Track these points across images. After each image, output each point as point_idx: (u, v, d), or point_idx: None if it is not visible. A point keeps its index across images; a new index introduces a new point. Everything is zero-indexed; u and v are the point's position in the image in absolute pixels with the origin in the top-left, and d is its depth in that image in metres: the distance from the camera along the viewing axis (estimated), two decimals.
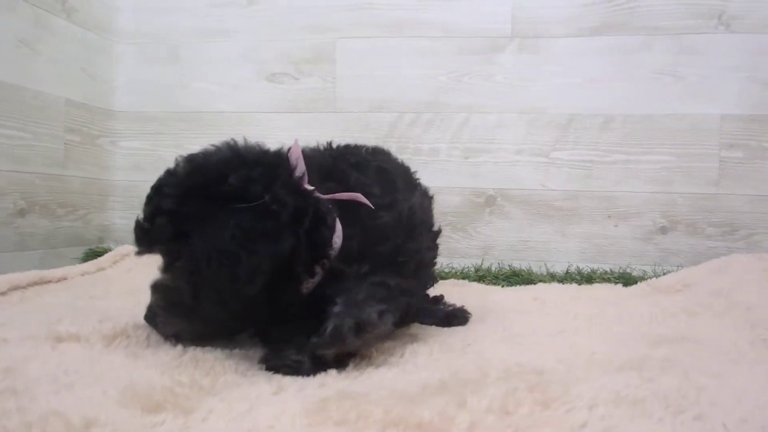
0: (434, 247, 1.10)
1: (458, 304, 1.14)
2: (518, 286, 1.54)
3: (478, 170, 1.73)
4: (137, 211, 1.87)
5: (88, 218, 1.78)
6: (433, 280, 1.07)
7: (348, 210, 0.82)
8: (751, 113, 1.60)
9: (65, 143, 1.67)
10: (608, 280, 1.56)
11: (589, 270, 1.62)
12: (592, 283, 1.56)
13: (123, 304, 1.13)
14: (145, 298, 1.26)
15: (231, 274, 0.70)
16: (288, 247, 0.72)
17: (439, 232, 1.11)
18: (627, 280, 1.56)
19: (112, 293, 1.29)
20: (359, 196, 0.84)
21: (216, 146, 0.82)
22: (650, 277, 1.57)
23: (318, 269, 0.79)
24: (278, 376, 0.71)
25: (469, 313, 1.12)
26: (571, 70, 1.69)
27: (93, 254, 1.76)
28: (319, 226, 0.77)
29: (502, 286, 1.55)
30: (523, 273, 1.63)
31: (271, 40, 1.83)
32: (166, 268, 0.80)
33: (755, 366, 0.78)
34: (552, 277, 1.61)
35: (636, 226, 1.66)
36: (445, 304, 1.13)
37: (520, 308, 1.22)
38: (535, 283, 1.55)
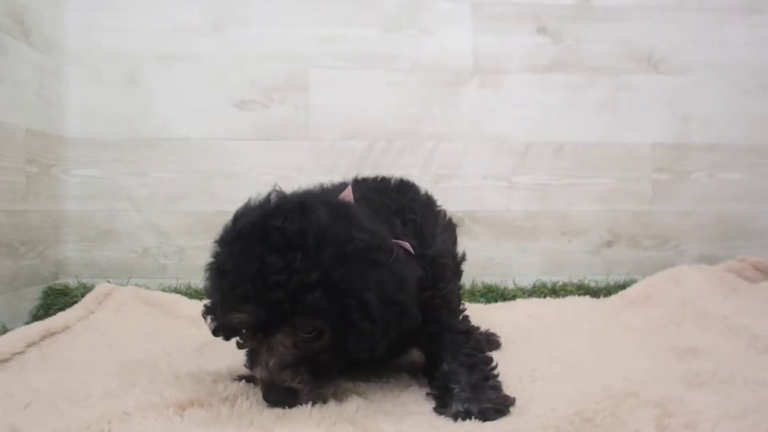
0: (458, 277, 1.21)
1: (482, 328, 1.24)
2: (500, 303, 1.68)
3: (447, 194, 1.83)
4: (92, 243, 1.78)
5: (45, 254, 1.65)
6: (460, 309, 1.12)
7: None
8: (675, 142, 1.89)
9: (27, 176, 1.55)
10: (571, 292, 1.75)
11: (551, 283, 1.81)
12: (558, 294, 1.74)
13: (155, 351, 1.15)
14: (165, 340, 1.24)
15: (399, 319, 0.80)
16: None
17: (462, 259, 1.22)
18: (587, 290, 1.76)
19: (125, 340, 1.26)
20: (409, 246, 0.92)
21: (300, 202, 0.83)
22: (602, 287, 1.79)
23: None
24: (430, 422, 0.78)
25: (499, 336, 1.22)
26: (527, 103, 1.87)
27: (53, 292, 1.64)
28: None
29: (485, 303, 1.69)
30: (495, 288, 1.77)
31: (240, 67, 1.82)
32: (305, 340, 0.80)
33: None
34: (523, 292, 1.77)
35: (586, 241, 1.88)
36: None
37: (527, 327, 1.37)
38: (513, 299, 1.70)
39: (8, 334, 1.18)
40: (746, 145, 1.89)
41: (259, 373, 0.82)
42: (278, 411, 0.81)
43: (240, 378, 0.93)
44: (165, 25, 1.80)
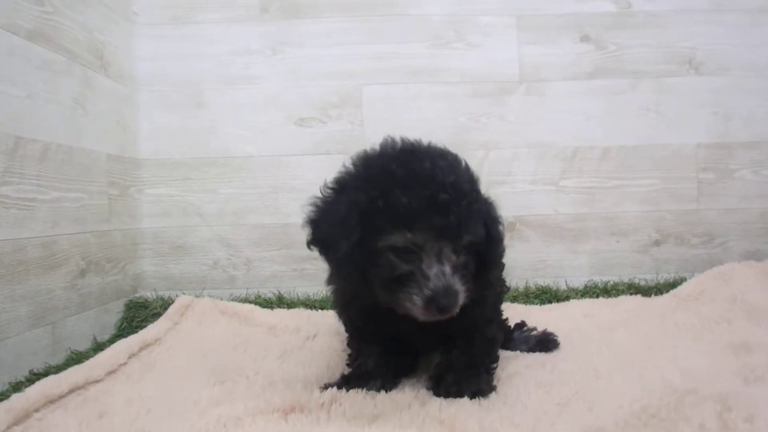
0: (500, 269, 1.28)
1: (539, 328, 1.32)
2: (554, 303, 1.76)
3: (498, 200, 1.89)
4: (166, 257, 1.90)
5: (126, 270, 1.78)
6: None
7: None
8: (718, 141, 1.94)
9: (109, 198, 1.67)
10: (622, 291, 1.82)
11: (602, 283, 1.88)
12: (611, 294, 1.81)
13: (242, 359, 1.27)
14: (248, 348, 1.35)
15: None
16: None
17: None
18: (637, 289, 1.83)
19: (213, 348, 1.37)
20: None
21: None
22: (652, 285, 1.85)
23: None
24: (511, 419, 0.86)
25: (557, 336, 1.30)
26: (572, 109, 1.94)
27: (134, 305, 1.77)
28: None
29: (539, 304, 1.76)
30: (548, 289, 1.85)
31: (298, 86, 1.92)
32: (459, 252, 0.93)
33: None
34: (575, 292, 1.84)
35: (634, 240, 1.95)
36: (528, 329, 1.31)
37: (584, 327, 1.44)
38: (567, 299, 1.78)
39: (112, 347, 1.30)
40: None
41: (431, 284, 0.89)
42: (371, 413, 0.89)
43: (327, 386, 1.02)
44: (226, 50, 1.92)
